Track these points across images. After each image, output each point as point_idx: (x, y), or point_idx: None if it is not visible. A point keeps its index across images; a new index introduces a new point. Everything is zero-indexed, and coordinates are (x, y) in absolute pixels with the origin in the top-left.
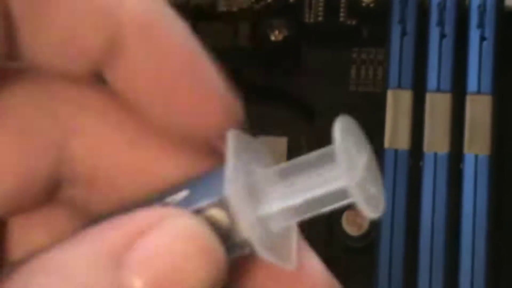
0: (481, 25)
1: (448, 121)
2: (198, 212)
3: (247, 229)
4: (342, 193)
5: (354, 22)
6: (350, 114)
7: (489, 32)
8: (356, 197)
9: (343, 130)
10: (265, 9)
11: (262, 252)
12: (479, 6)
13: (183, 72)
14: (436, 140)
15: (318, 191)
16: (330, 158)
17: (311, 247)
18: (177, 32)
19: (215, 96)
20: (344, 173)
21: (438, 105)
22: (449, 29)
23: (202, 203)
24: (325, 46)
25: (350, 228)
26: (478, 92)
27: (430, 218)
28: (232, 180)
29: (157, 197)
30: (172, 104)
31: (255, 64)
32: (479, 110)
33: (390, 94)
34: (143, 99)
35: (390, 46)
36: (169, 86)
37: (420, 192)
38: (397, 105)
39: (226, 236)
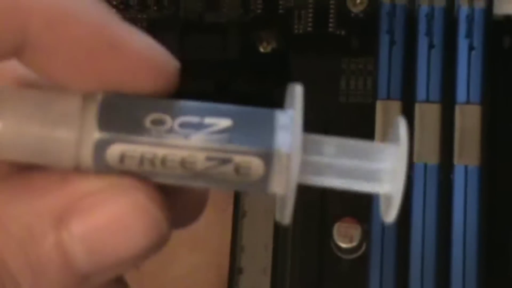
0: (469, 34)
1: (438, 131)
2: (234, 153)
3: (289, 196)
4: (379, 185)
5: (343, 32)
6: (340, 124)
7: (477, 41)
8: (396, 198)
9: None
10: (254, 21)
11: (286, 217)
12: (467, 16)
13: (100, 49)
14: (426, 151)
15: (361, 184)
16: (383, 152)
17: (303, 260)
18: (89, 12)
19: (141, 61)
20: (398, 175)
21: (427, 116)
22: (437, 39)
23: (245, 147)
24: (314, 56)
25: (342, 240)
26: (468, 102)
27: (421, 230)
28: (296, 142)
29: (196, 111)
30: (97, 80)
31: (244, 76)
32: (468, 120)
33: (379, 105)
34: (63, 80)
35: (378, 56)
36: (87, 64)
37: (411, 203)
38: (387, 115)
39: (249, 184)
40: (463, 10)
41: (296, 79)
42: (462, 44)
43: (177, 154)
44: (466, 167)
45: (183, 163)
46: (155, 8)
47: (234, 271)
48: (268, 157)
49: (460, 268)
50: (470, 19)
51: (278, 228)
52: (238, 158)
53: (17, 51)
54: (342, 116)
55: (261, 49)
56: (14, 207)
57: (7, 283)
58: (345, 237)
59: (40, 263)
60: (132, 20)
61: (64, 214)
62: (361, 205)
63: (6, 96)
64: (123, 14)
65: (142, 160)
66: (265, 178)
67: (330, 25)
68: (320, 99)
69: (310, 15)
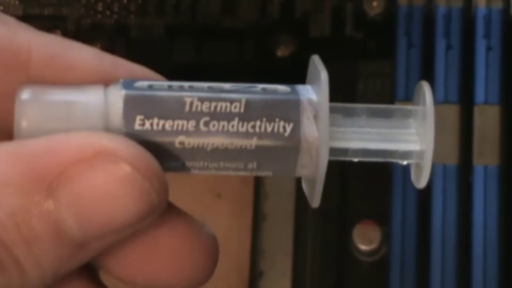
0: (487, 35)
1: (456, 132)
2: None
3: (324, 142)
4: (410, 154)
5: (360, 35)
6: None
7: (495, 42)
8: (427, 162)
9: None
10: (271, 25)
11: (321, 172)
12: (485, 16)
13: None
14: (445, 152)
15: (392, 145)
16: (409, 116)
17: (323, 262)
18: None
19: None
20: (428, 136)
21: (446, 117)
22: (455, 40)
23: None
24: (331, 60)
25: (361, 242)
26: (486, 102)
27: (441, 231)
28: (324, 92)
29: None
30: None
31: (261, 81)
32: (487, 120)
33: None
34: None
35: (396, 58)
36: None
37: (430, 204)
38: None
39: (279, 101)
40: (481, 10)
41: None
42: (480, 45)
43: (204, 84)
44: (485, 167)
45: (210, 87)
46: (172, 13)
47: (254, 275)
48: (293, 88)
49: (481, 268)
50: (487, 19)
51: (298, 231)
52: (262, 85)
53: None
54: None
55: (279, 53)
56: (4, 177)
57: (2, 254)
58: (365, 239)
59: (32, 233)
60: (150, 25)
61: (52, 182)
62: (381, 207)
63: (28, 94)
64: (140, 20)
65: (170, 84)
66: (293, 92)
67: (347, 28)
68: (338, 101)
69: (327, 18)
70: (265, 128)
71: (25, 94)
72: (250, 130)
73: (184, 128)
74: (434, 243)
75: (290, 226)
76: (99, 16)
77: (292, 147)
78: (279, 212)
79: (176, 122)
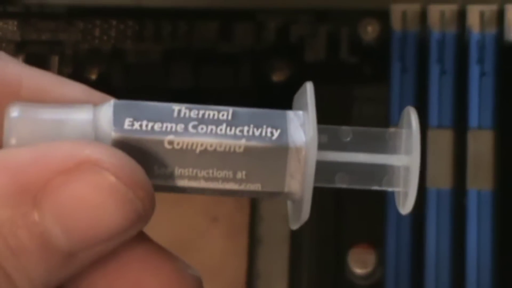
0: (480, 60)
1: (450, 156)
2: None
3: (312, 146)
4: (395, 177)
5: (355, 60)
6: None
7: (488, 67)
8: (413, 183)
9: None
10: (267, 50)
11: (306, 211)
12: (478, 42)
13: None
14: (439, 176)
15: (378, 165)
16: (396, 139)
17: (318, 285)
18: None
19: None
20: (414, 159)
21: (439, 141)
22: (449, 65)
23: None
24: (326, 84)
25: (356, 265)
26: (480, 127)
27: (435, 254)
28: (310, 96)
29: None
30: None
31: (257, 104)
32: (481, 145)
33: None
34: None
35: (390, 83)
36: None
37: (424, 228)
38: None
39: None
40: (474, 35)
41: None
42: (474, 70)
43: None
44: (479, 192)
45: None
46: (169, 39)
47: None
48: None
49: None
50: (481, 44)
51: (293, 255)
52: None
53: None
54: None
55: (274, 78)
56: None
57: None
58: (360, 263)
59: (20, 244)
60: (147, 51)
61: (36, 194)
62: (375, 231)
63: (18, 111)
64: (137, 45)
65: None
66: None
67: (342, 53)
68: (333, 125)
69: (322, 43)
70: (253, 132)
71: (14, 112)
72: (238, 133)
73: (173, 129)
74: (428, 266)
75: (285, 249)
76: (96, 41)
77: (280, 149)
78: (274, 235)
79: (165, 124)
